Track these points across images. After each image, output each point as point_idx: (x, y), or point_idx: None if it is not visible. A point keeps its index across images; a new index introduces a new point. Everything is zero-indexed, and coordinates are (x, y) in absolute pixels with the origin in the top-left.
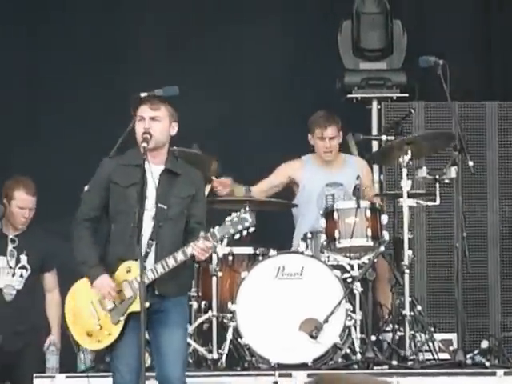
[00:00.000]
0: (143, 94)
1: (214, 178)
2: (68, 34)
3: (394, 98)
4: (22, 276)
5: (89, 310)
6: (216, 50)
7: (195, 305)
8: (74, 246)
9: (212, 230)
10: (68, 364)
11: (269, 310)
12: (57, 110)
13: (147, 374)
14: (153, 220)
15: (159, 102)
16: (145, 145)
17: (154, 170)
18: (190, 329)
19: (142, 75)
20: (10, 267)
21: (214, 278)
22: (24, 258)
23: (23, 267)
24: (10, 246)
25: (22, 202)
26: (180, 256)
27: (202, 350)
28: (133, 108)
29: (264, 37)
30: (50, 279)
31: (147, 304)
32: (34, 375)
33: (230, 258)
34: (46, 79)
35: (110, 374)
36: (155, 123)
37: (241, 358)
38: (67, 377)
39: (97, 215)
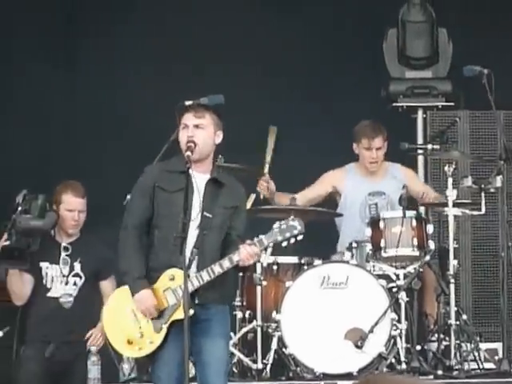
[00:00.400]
0: (188, 102)
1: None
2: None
3: (440, 106)
4: (75, 284)
5: (130, 318)
6: (255, 60)
7: (240, 314)
8: (120, 255)
9: (260, 236)
10: (110, 375)
11: (314, 320)
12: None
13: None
14: (197, 228)
15: (204, 109)
16: (189, 153)
17: (198, 178)
18: (235, 339)
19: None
20: (64, 275)
21: (259, 288)
22: (77, 266)
23: (77, 275)
24: (63, 254)
25: (70, 205)
26: (226, 263)
27: (246, 360)
28: (177, 116)
29: (309, 45)
30: (108, 287)
31: (192, 311)
32: None
33: (275, 267)
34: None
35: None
36: (199, 131)
37: (285, 368)
38: None
39: (142, 223)
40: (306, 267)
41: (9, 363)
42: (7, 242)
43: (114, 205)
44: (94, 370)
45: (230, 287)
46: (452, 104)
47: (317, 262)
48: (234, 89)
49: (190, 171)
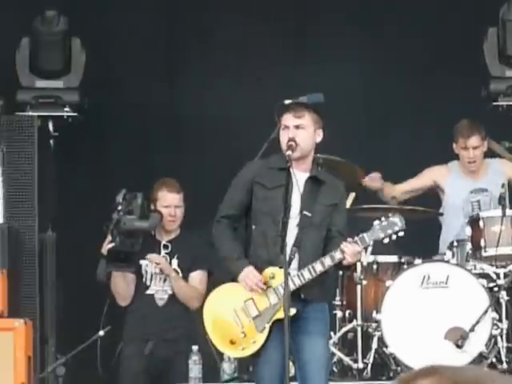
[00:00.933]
0: (287, 101)
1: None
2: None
3: None
4: None
5: (232, 318)
6: (358, 60)
7: (340, 314)
8: (216, 243)
9: (361, 234)
10: (211, 374)
11: (414, 319)
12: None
13: (291, 383)
14: (297, 227)
15: (303, 109)
16: (289, 152)
17: (298, 176)
18: (335, 338)
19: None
20: (162, 273)
21: (359, 287)
22: (175, 262)
23: (174, 271)
24: (163, 252)
25: (166, 201)
26: (328, 261)
27: (346, 359)
28: (277, 115)
29: (410, 44)
30: (194, 278)
31: (294, 311)
32: None
33: (375, 266)
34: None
35: (254, 383)
36: (300, 131)
37: (386, 368)
38: None
39: (235, 214)
40: (405, 266)
41: (111, 361)
42: (112, 244)
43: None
44: (195, 369)
45: (330, 284)
46: None
47: (417, 261)
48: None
49: (291, 169)
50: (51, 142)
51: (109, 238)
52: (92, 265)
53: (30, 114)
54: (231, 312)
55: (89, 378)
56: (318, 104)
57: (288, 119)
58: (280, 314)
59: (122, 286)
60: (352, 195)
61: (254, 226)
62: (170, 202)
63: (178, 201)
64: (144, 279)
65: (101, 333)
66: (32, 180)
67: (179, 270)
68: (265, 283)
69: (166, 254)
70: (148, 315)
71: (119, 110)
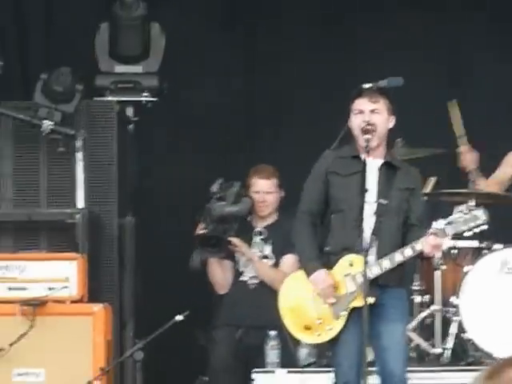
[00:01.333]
0: (367, 85)
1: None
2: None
3: None
4: None
5: (308, 304)
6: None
7: (418, 299)
8: (294, 239)
9: (443, 226)
10: (289, 359)
11: (493, 305)
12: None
13: (369, 369)
14: (374, 215)
15: (378, 94)
16: (368, 136)
17: (372, 163)
18: (413, 323)
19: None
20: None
21: (438, 272)
22: (268, 248)
23: (266, 257)
24: (257, 239)
25: (256, 187)
26: (408, 252)
27: (424, 344)
28: (352, 99)
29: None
30: (285, 263)
31: (372, 300)
32: (253, 370)
33: (454, 251)
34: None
35: (332, 369)
36: (375, 116)
37: (464, 353)
38: (288, 372)
39: (315, 208)
40: (485, 251)
41: (195, 347)
42: (204, 231)
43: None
44: (272, 355)
45: (409, 271)
46: None
47: (497, 246)
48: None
49: (364, 157)
50: (130, 126)
51: (201, 225)
52: (170, 249)
53: (109, 99)
54: (309, 298)
55: (167, 362)
56: (397, 88)
57: (363, 104)
58: (357, 303)
59: (218, 273)
60: (432, 180)
61: (332, 215)
62: (259, 187)
63: (269, 187)
64: (238, 266)
65: (179, 317)
66: (112, 165)
67: (272, 256)
68: (336, 288)
69: (261, 240)
70: (239, 301)
71: (198, 95)
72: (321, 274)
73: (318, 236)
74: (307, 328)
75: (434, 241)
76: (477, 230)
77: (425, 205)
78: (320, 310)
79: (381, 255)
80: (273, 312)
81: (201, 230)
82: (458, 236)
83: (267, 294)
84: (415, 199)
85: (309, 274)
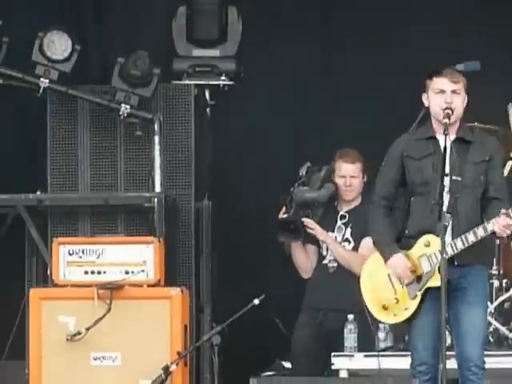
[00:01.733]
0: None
1: None
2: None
3: None
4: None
5: (386, 284)
6: None
7: (496, 283)
8: (370, 225)
9: None
10: (366, 343)
11: None
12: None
13: (447, 353)
14: (448, 193)
15: (458, 74)
16: (446, 120)
17: (446, 141)
18: (491, 307)
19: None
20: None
21: None
22: (348, 231)
23: (346, 240)
24: (340, 222)
25: (341, 171)
26: (480, 232)
27: (503, 329)
28: (428, 79)
29: None
30: (364, 246)
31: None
32: (332, 354)
33: None
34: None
35: (409, 353)
36: (456, 97)
37: None
38: (365, 355)
39: (390, 192)
40: None
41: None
42: (285, 215)
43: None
44: (350, 339)
45: (486, 249)
46: None
47: None
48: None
49: (438, 136)
50: (207, 110)
51: (283, 209)
52: (247, 233)
53: (187, 82)
54: (385, 278)
55: (245, 347)
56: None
57: (444, 83)
58: (433, 283)
59: (302, 258)
60: (510, 163)
61: (411, 198)
62: (345, 172)
63: (353, 171)
64: (321, 250)
65: (256, 301)
66: (189, 148)
67: (351, 240)
68: (414, 271)
69: (343, 224)
70: (320, 284)
71: (274, 78)
72: (397, 257)
73: (394, 219)
74: (385, 308)
75: (505, 221)
76: None
77: (503, 176)
78: (397, 290)
79: (457, 233)
80: (352, 295)
81: (283, 215)
82: None
83: (346, 277)
84: (493, 171)
85: (386, 259)
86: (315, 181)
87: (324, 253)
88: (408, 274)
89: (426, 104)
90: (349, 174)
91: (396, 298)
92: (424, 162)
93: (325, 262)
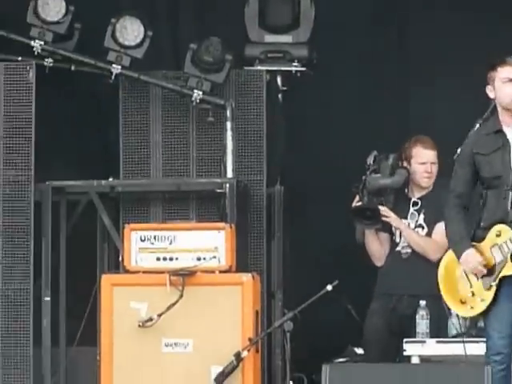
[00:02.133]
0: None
1: None
2: None
3: None
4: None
5: (461, 278)
6: None
7: None
8: (445, 222)
9: None
10: (439, 329)
11: None
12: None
13: None
14: None
15: None
16: None
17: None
18: None
19: None
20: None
21: None
22: (421, 218)
23: (420, 225)
24: (412, 209)
25: (422, 158)
26: None
27: None
28: (491, 70)
29: None
30: (436, 231)
31: None
32: (404, 340)
33: None
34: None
35: (483, 339)
36: None
37: None
38: (438, 342)
39: (464, 191)
40: None
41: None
42: (359, 203)
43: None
44: (422, 324)
45: None
46: None
47: None
48: None
49: (505, 129)
50: (279, 96)
51: (357, 197)
52: (318, 219)
53: (259, 68)
54: (460, 272)
55: (317, 333)
56: None
57: (511, 72)
58: (506, 271)
59: (375, 245)
60: None
61: (487, 192)
62: (426, 158)
63: (434, 157)
64: (394, 237)
65: (329, 287)
66: (261, 134)
67: (425, 225)
68: (486, 264)
69: (415, 210)
70: (392, 270)
71: (346, 64)
72: (469, 253)
73: (468, 217)
74: (462, 302)
75: None
76: None
77: None
78: (472, 283)
79: None
80: (426, 281)
81: (357, 203)
82: None
83: (420, 262)
84: None
85: (458, 255)
86: (385, 168)
87: (397, 240)
88: (480, 269)
89: (492, 96)
90: (430, 160)
91: (472, 291)
92: (493, 156)
93: (398, 248)
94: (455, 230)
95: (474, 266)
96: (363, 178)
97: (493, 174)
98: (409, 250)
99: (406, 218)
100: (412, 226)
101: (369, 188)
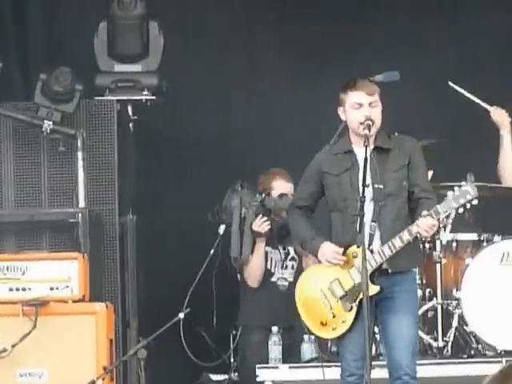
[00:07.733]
0: (360, 80)
1: None
2: None
3: None
4: (292, 267)
5: (320, 299)
6: None
7: (419, 292)
8: (292, 230)
9: (435, 206)
10: (291, 355)
11: (494, 297)
12: None
13: (374, 362)
14: (371, 201)
15: (373, 86)
16: (367, 132)
17: (364, 152)
18: None
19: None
20: (281, 260)
21: (438, 265)
22: (291, 250)
23: (293, 259)
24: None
25: (284, 189)
26: (406, 236)
27: (427, 337)
28: (342, 93)
29: None
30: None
31: (377, 288)
32: (257, 366)
33: (454, 244)
34: None
35: (333, 364)
36: (374, 109)
37: (467, 346)
38: (290, 367)
39: (305, 205)
40: (485, 244)
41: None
42: (268, 227)
43: None
44: (274, 350)
45: (416, 252)
46: None
47: (496, 238)
48: None
49: (355, 149)
50: (130, 125)
51: (259, 221)
52: (171, 248)
53: (109, 98)
54: (319, 294)
55: (171, 360)
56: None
57: (361, 97)
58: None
59: (261, 266)
60: (430, 172)
61: (333, 214)
62: (288, 190)
63: (293, 189)
64: (269, 266)
65: (181, 315)
66: (112, 164)
67: (297, 258)
68: (347, 261)
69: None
70: (271, 303)
71: (197, 93)
72: (325, 246)
73: (313, 221)
74: (323, 324)
75: (427, 221)
76: (468, 206)
77: (426, 174)
78: (331, 304)
79: (384, 240)
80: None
81: (265, 225)
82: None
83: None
84: (415, 172)
85: (315, 251)
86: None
87: (272, 270)
88: (340, 258)
89: (343, 118)
90: (291, 192)
91: (332, 313)
92: (343, 177)
93: (273, 279)
94: (305, 231)
95: (332, 257)
96: (256, 199)
97: (341, 196)
98: (286, 283)
99: (276, 248)
100: (283, 256)
101: (268, 209)
